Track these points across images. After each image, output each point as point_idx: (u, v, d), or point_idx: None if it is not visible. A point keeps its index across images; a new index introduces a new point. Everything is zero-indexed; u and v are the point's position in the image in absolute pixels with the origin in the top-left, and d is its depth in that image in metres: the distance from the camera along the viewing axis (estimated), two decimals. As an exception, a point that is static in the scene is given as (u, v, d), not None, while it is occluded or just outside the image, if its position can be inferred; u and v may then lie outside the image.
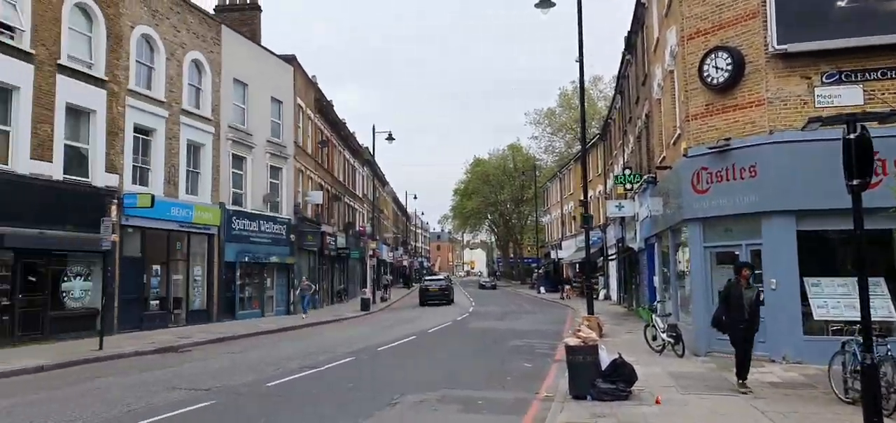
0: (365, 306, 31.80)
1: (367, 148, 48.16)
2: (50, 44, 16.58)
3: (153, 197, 19.11)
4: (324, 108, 36.43)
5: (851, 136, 6.47)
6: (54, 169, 16.56)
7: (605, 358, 9.54)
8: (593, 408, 8.58)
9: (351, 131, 45.06)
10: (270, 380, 11.32)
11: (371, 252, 39.73)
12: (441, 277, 48.41)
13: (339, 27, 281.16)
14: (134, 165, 19.82)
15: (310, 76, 34.04)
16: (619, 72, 28.72)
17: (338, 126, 40.44)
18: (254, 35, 28.33)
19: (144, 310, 20.09)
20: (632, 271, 28.25)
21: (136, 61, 20.02)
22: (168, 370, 12.72)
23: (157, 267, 20.87)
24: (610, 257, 36.00)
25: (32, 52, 16.01)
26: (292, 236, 28.84)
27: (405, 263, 78.46)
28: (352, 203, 45.12)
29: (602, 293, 37.84)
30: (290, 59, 30.18)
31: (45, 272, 16.45)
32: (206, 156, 23.24)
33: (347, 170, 44.33)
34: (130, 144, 19.58)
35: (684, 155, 13.89)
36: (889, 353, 8.01)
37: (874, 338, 8.29)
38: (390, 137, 39.21)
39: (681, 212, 14.28)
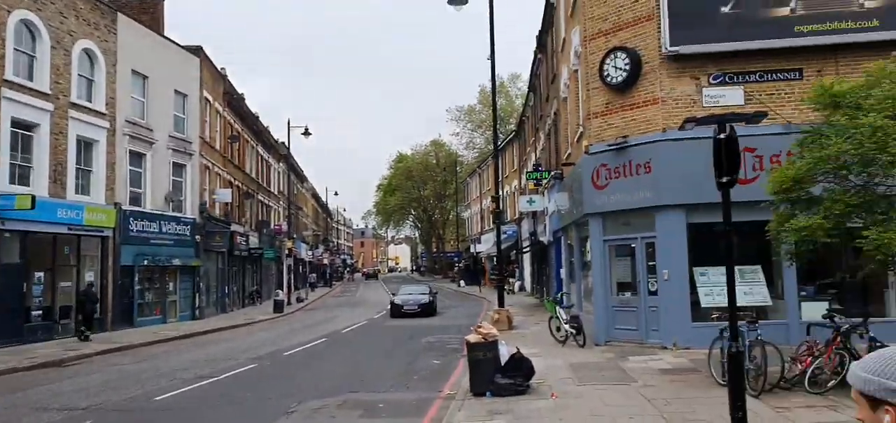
0: (278, 308, 30.79)
1: (282, 143, 46.61)
2: None
3: (34, 198, 17.42)
4: (234, 101, 34.86)
5: (721, 136, 6.76)
6: (-89, 168, 14.81)
7: (505, 353, 9.63)
8: (492, 405, 8.64)
9: (265, 126, 43.43)
10: (159, 394, 10.62)
11: (287, 251, 38.58)
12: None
13: (257, 12, 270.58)
14: (12, 163, 18.10)
15: (219, 68, 32.45)
16: (532, 70, 29.34)
17: (250, 120, 38.83)
18: (156, 24, 26.64)
19: (25, 321, 18.40)
20: (543, 264, 29.00)
21: (14, 49, 18.28)
22: (44, 387, 11.65)
23: (40, 274, 19.14)
24: (524, 251, 36.85)
25: None
26: (198, 236, 27.37)
27: (326, 261, 76.89)
28: (266, 201, 43.55)
29: (517, 285, 38.69)
30: (196, 51, 28.62)
31: None
32: (100, 153, 21.57)
33: (261, 166, 42.70)
34: (7, 140, 17.85)
35: (586, 152, 14.30)
36: (759, 337, 8.56)
37: (750, 322, 8.93)
38: (306, 132, 38.09)
39: (583, 207, 14.72)
